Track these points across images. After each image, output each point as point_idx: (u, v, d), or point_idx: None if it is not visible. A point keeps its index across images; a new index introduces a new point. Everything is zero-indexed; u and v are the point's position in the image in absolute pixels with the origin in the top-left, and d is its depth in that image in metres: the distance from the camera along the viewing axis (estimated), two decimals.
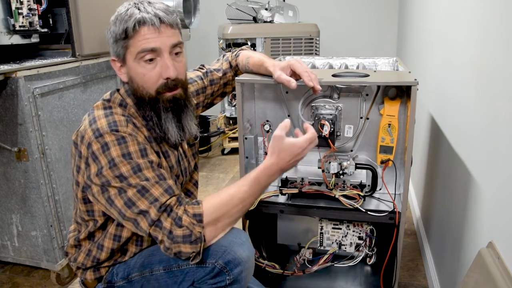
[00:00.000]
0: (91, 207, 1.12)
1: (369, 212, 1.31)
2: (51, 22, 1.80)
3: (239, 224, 1.42)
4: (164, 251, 1.03)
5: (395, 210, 1.30)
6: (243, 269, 1.04)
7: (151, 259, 1.12)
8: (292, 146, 1.10)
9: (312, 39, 3.12)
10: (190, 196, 1.36)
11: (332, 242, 1.60)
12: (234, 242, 1.05)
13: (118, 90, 1.16)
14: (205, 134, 3.32)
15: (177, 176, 1.22)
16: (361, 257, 1.58)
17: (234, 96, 3.18)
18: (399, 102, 1.32)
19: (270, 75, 1.28)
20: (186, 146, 1.28)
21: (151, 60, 1.05)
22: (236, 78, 1.34)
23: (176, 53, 1.09)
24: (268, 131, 1.49)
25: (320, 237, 1.60)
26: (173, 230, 1.00)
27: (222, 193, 1.08)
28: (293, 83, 1.20)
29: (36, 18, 1.68)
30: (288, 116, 1.50)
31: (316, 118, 1.36)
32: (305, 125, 1.17)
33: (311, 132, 1.14)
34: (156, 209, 1.00)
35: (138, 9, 1.05)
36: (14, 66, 1.56)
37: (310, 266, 1.58)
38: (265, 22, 3.23)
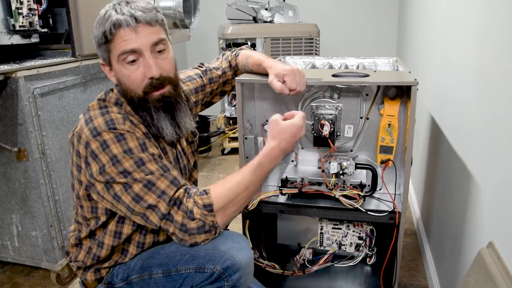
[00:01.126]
0: (95, 204, 1.12)
1: (369, 212, 1.31)
2: (51, 22, 1.80)
3: (239, 225, 1.42)
4: (178, 241, 1.06)
5: (395, 210, 1.30)
6: (242, 275, 1.03)
7: (150, 262, 1.11)
8: (290, 126, 1.15)
9: (312, 39, 3.12)
10: None
11: (332, 242, 1.60)
12: (233, 247, 1.04)
13: (112, 89, 1.16)
14: (205, 134, 3.31)
15: None
16: (361, 257, 1.58)
17: (234, 96, 3.18)
18: (399, 102, 1.32)
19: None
20: (185, 144, 1.27)
21: (133, 61, 1.05)
22: (236, 78, 1.34)
23: (160, 51, 1.08)
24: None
25: (320, 237, 1.61)
26: (186, 223, 1.02)
27: (228, 181, 1.10)
28: (285, 91, 1.22)
29: (36, 18, 1.68)
30: None
31: (316, 118, 1.36)
32: (287, 114, 1.21)
33: (300, 112, 1.20)
34: (165, 203, 1.02)
35: (115, 10, 1.04)
36: (14, 66, 1.56)
37: (310, 266, 1.58)
38: (265, 22, 3.23)
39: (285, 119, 1.19)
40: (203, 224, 1.03)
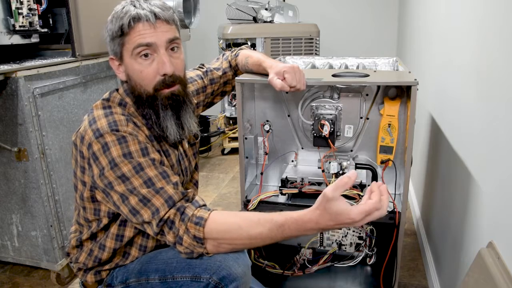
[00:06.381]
0: (98, 206, 1.12)
1: None
2: (51, 22, 1.80)
3: None
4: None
5: (395, 210, 1.30)
6: (238, 285, 1.01)
7: (148, 267, 1.11)
8: (339, 214, 0.90)
9: (312, 39, 3.12)
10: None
11: (332, 242, 1.60)
12: (228, 257, 1.02)
13: (117, 89, 1.15)
14: (205, 134, 3.32)
15: (177, 175, 1.21)
16: (361, 257, 1.58)
17: (234, 96, 3.18)
18: (399, 102, 1.32)
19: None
20: (186, 146, 1.27)
21: (146, 56, 1.05)
22: (236, 78, 1.35)
23: (173, 49, 1.09)
24: (268, 131, 1.49)
25: (320, 237, 1.61)
26: (176, 245, 1.01)
27: (233, 220, 1.01)
28: (285, 88, 1.21)
29: (36, 18, 1.68)
30: (288, 116, 1.50)
31: (316, 118, 1.36)
32: (371, 187, 0.94)
33: (373, 202, 0.90)
34: (155, 224, 1.00)
35: (134, 6, 1.05)
36: (14, 66, 1.56)
37: (310, 266, 1.58)
38: (265, 22, 3.23)
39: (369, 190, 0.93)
40: (191, 252, 1.01)
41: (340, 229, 1.53)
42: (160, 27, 1.05)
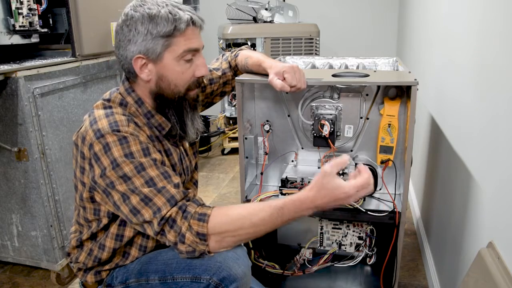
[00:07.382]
0: (98, 206, 1.12)
1: (369, 212, 1.31)
2: (51, 22, 1.80)
3: None
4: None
5: (395, 210, 1.30)
6: (239, 285, 1.01)
7: (148, 267, 1.11)
8: (336, 188, 1.00)
9: (312, 39, 3.12)
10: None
11: (332, 242, 1.60)
12: (228, 257, 1.02)
13: (117, 89, 1.16)
14: (205, 134, 3.32)
15: (179, 174, 1.22)
16: (361, 257, 1.58)
17: (234, 96, 3.18)
18: (399, 102, 1.32)
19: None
20: (187, 145, 1.28)
21: (190, 59, 1.10)
22: (236, 78, 1.35)
23: None
24: (268, 131, 1.49)
25: (320, 237, 1.61)
26: (177, 244, 1.01)
27: (235, 211, 1.03)
28: (285, 88, 1.22)
29: (36, 18, 1.68)
30: (288, 116, 1.50)
31: (316, 118, 1.36)
32: (359, 167, 1.05)
33: (363, 178, 1.02)
34: (156, 222, 1.00)
35: (179, 9, 1.07)
36: (14, 66, 1.56)
37: (310, 266, 1.58)
38: (265, 22, 3.24)
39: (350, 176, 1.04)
40: (193, 250, 1.01)
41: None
42: (199, 32, 1.11)
